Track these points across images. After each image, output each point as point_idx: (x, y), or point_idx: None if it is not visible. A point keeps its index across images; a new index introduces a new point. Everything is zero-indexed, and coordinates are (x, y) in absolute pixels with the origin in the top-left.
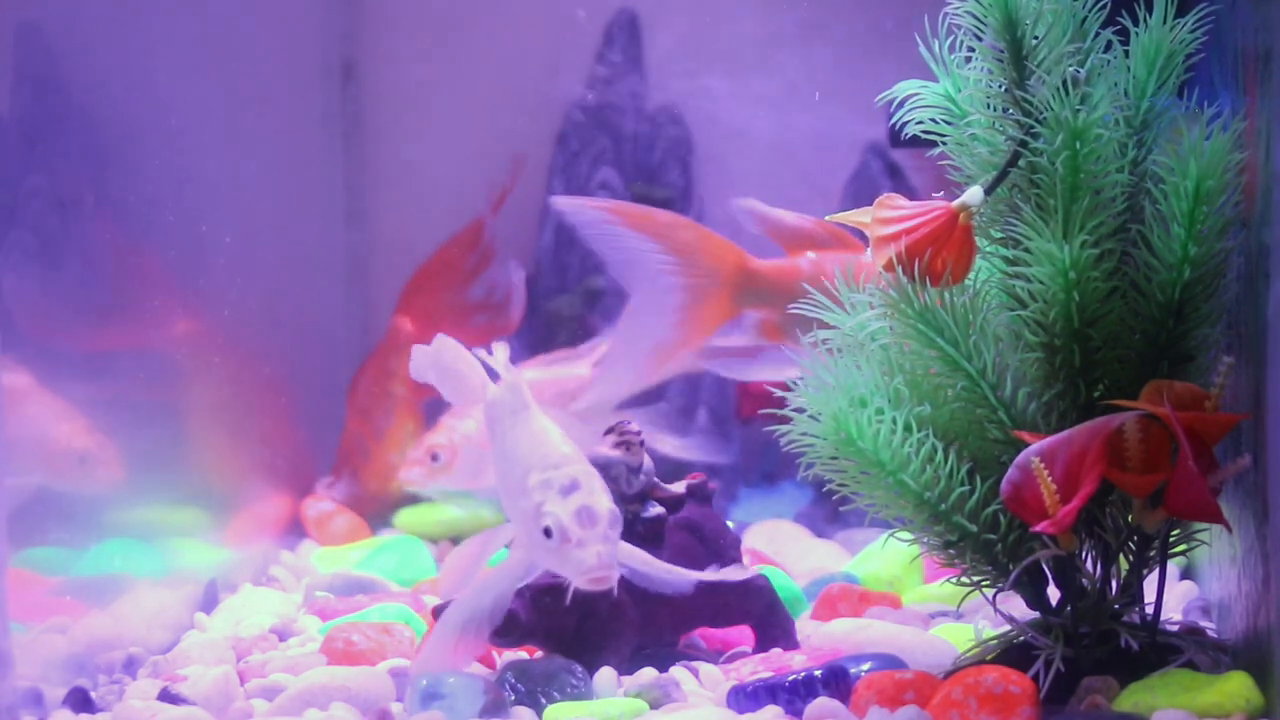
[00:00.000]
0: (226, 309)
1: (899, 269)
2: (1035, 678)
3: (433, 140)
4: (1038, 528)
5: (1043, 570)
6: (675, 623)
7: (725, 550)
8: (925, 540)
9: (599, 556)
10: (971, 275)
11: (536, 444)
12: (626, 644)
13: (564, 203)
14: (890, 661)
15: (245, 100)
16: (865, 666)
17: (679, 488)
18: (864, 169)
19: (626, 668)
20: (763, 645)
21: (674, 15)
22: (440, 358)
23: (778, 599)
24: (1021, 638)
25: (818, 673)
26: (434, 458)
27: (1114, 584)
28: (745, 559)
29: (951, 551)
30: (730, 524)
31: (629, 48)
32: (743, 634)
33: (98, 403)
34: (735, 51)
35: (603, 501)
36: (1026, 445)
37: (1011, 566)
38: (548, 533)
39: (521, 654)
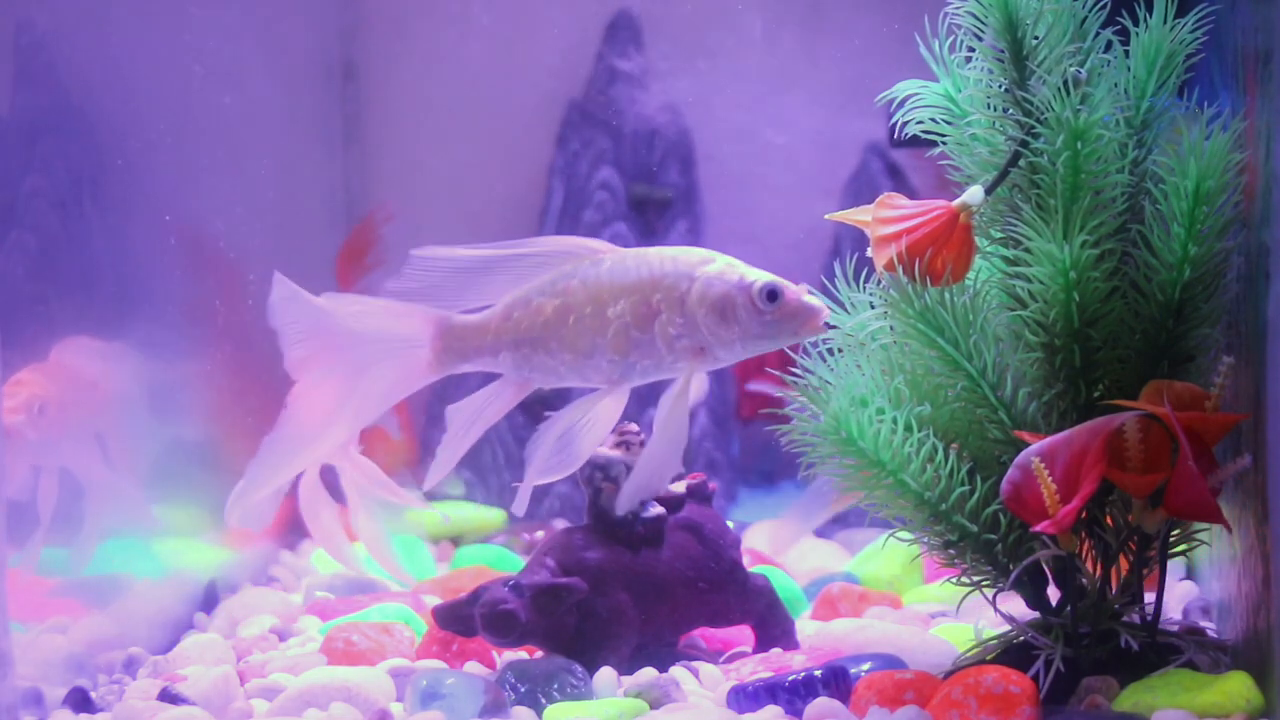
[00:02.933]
0: (225, 309)
1: (899, 268)
2: (1035, 678)
3: (432, 140)
4: (1038, 528)
5: (1043, 570)
6: (675, 623)
7: (725, 550)
8: (925, 540)
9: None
10: (971, 275)
11: (671, 250)
12: (626, 644)
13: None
14: (890, 661)
15: (245, 100)
16: (865, 666)
17: (679, 488)
18: (864, 169)
19: (626, 668)
20: (763, 645)
21: (674, 14)
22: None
23: (778, 599)
24: (1021, 638)
25: (818, 673)
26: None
27: (1114, 584)
28: (745, 559)
29: (951, 551)
30: (730, 524)
31: (629, 48)
32: (743, 634)
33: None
34: (735, 51)
35: None
36: (1026, 445)
37: (1011, 566)
38: (772, 295)
39: (521, 654)
